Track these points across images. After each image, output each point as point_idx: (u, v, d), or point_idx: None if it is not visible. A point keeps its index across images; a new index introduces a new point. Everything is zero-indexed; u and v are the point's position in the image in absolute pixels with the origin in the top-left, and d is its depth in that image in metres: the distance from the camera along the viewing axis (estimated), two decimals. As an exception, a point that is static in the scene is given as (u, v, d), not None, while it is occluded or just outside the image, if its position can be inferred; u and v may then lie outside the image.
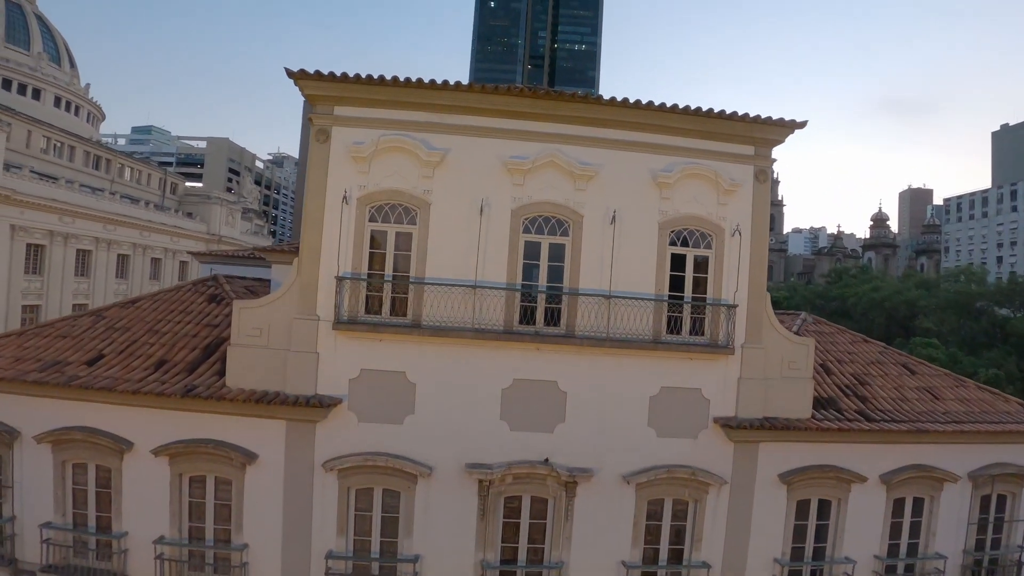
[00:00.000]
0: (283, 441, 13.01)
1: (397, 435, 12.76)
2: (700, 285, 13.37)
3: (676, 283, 13.26)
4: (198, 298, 17.33)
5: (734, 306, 13.02)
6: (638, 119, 13.01)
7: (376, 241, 12.86)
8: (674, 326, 13.15)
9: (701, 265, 13.35)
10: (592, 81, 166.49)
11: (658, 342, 12.91)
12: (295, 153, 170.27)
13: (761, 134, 13.39)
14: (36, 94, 50.62)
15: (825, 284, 66.27)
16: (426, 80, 12.42)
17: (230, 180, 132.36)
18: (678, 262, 13.24)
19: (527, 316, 12.83)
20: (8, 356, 14.33)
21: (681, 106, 12.84)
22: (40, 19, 53.08)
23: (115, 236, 48.71)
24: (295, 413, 12.77)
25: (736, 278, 13.23)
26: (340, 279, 12.46)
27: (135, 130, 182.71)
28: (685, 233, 13.26)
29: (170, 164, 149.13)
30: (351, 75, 12.27)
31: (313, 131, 12.70)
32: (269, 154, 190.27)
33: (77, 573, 12.96)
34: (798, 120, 13.29)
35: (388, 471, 12.87)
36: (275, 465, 12.91)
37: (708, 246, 13.31)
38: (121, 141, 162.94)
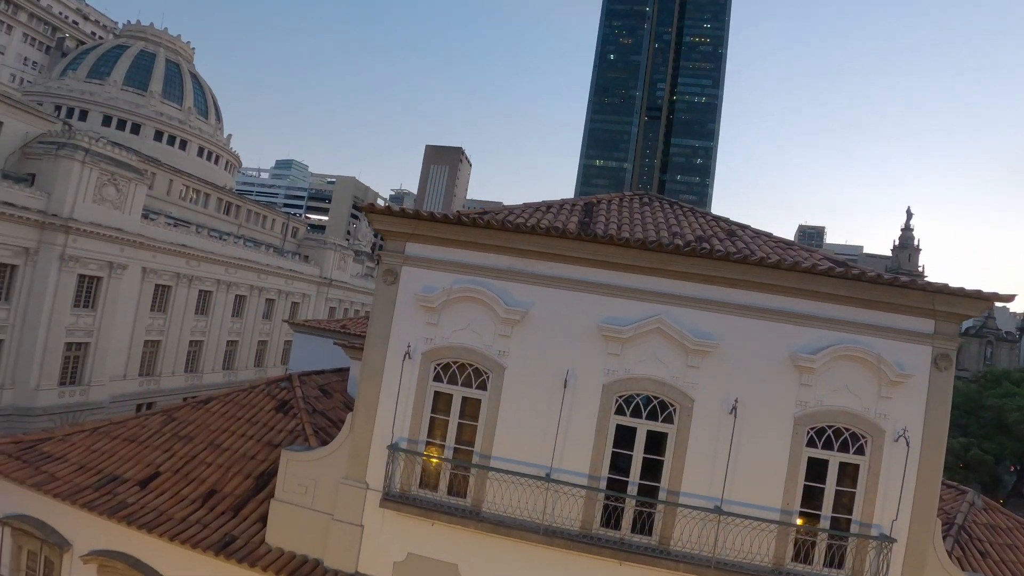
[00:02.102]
0: (317, 616, 11.29)
1: (441, 639, 10.55)
2: (843, 498, 10.17)
3: (810, 494, 10.15)
4: (268, 403, 16.43)
5: (891, 541, 9.67)
6: (775, 280, 10.27)
7: (439, 405, 10.94)
8: (804, 552, 10.01)
9: (848, 475, 10.16)
10: (711, 134, 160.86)
11: (780, 573, 9.83)
12: (415, 189, 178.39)
13: (946, 307, 10.11)
14: (183, 145, 55.49)
15: (977, 387, 56.61)
16: (511, 222, 10.51)
17: (355, 216, 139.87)
18: (816, 469, 10.14)
19: (612, 518, 10.25)
20: (73, 462, 14.25)
21: (837, 270, 9.96)
22: (194, 76, 58.61)
23: (235, 278, 51.37)
24: (330, 594, 11.04)
25: (897, 498, 9.89)
26: (393, 448, 10.62)
27: (278, 163, 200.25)
28: (830, 432, 10.14)
29: (303, 198, 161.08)
30: (424, 213, 10.63)
31: (380, 271, 11.15)
32: (392, 190, 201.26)
33: None
34: (1001, 293, 9.92)
35: None
36: (305, 641, 11.17)
37: (860, 451, 10.10)
38: (264, 175, 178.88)
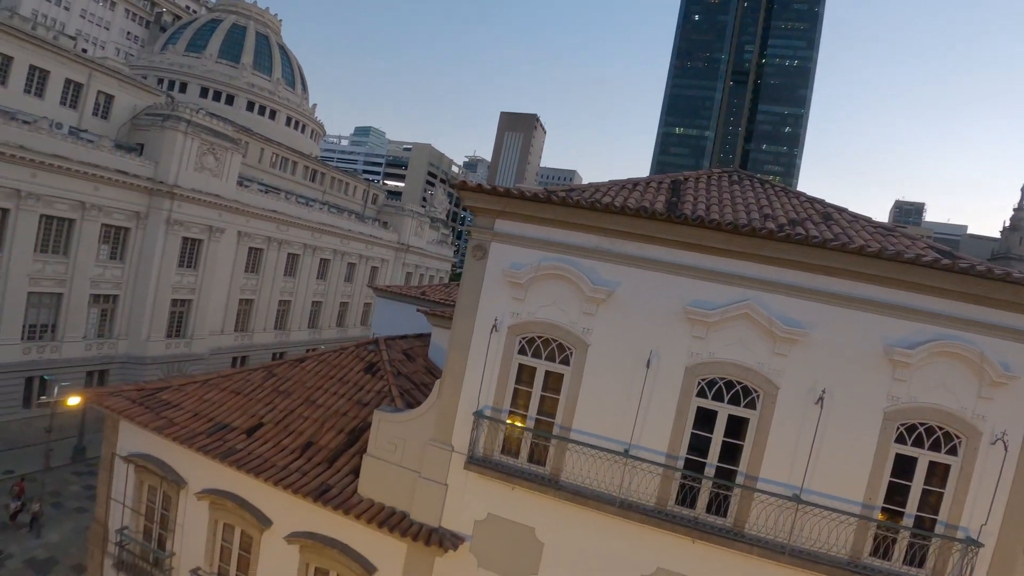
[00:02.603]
0: (402, 563, 12.26)
1: (516, 595, 11.22)
2: (929, 497, 9.91)
3: (894, 491, 9.95)
4: (357, 364, 17.50)
5: (978, 545, 9.39)
6: (874, 270, 9.96)
7: (523, 376, 11.40)
8: (883, 548, 9.89)
9: (936, 474, 9.88)
10: (802, 100, 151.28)
11: (856, 566, 9.77)
12: (489, 156, 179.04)
13: (1060, 305, 9.52)
14: (272, 115, 58.12)
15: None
16: (601, 201, 10.65)
17: (430, 183, 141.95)
18: (903, 466, 9.92)
19: (688, 497, 10.48)
20: (188, 410, 15.66)
21: (943, 261, 9.52)
22: (282, 48, 60.87)
23: (320, 243, 53.92)
24: (415, 546, 11.92)
25: (988, 503, 9.55)
26: (478, 415, 11.22)
27: (357, 131, 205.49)
28: (921, 430, 9.86)
29: (380, 164, 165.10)
30: (515, 191, 10.94)
31: (470, 246, 11.61)
32: (466, 157, 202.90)
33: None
34: (1126, 292, 9.22)
35: (501, 633, 11.42)
36: (391, 584, 12.17)
37: (952, 451, 9.79)
38: (344, 142, 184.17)
